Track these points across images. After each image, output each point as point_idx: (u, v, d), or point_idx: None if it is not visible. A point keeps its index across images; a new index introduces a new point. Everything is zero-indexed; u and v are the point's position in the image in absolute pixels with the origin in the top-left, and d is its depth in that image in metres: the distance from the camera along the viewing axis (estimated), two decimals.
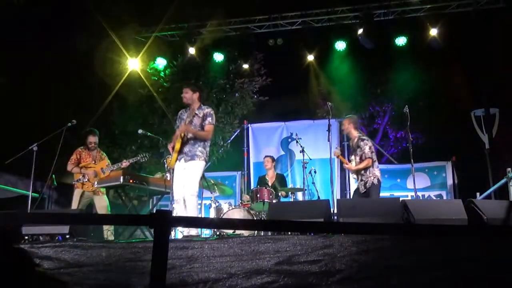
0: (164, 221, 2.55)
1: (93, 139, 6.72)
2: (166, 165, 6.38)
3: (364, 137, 6.49)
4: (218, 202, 7.11)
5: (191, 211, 5.20)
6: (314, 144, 8.49)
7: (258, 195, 6.79)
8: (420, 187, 8.36)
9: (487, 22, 9.10)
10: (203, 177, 6.29)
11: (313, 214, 4.86)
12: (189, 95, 5.54)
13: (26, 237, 4.85)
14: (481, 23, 8.97)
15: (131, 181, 6.18)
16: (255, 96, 11.51)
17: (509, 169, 6.87)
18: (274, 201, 6.80)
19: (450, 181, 8.50)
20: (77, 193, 6.56)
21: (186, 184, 5.26)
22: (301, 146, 7.42)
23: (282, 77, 11.91)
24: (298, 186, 8.68)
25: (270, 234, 4.71)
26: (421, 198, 8.27)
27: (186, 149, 5.37)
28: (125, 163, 6.54)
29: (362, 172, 6.24)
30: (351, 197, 7.67)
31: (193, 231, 5.22)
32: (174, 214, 4.90)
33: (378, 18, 9.27)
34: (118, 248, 3.77)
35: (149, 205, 8.30)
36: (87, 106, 9.72)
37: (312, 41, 9.79)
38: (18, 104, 9.09)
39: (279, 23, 9.77)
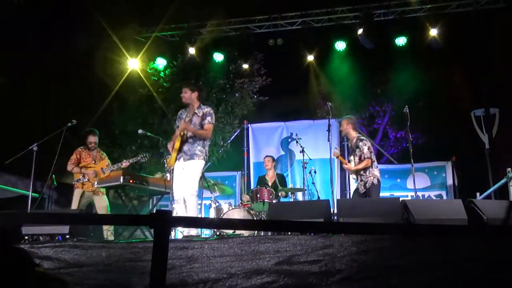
0: (164, 221, 2.55)
1: (93, 139, 6.72)
2: (166, 165, 6.39)
3: (363, 137, 6.49)
4: (218, 202, 7.11)
5: (191, 211, 5.21)
6: (314, 144, 8.48)
7: (258, 195, 6.79)
8: (420, 187, 8.35)
9: (487, 22, 9.10)
10: (203, 177, 6.30)
11: (313, 214, 4.85)
12: (188, 95, 5.56)
13: (26, 237, 4.84)
14: (481, 23, 8.97)
15: (131, 181, 6.18)
16: (255, 96, 11.50)
17: (509, 169, 6.87)
18: (274, 201, 6.79)
19: (450, 181, 8.49)
20: (77, 193, 6.56)
21: (185, 183, 5.26)
22: (301, 146, 7.41)
23: (282, 77, 11.90)
24: (298, 186, 8.67)
25: (270, 234, 4.70)
26: (421, 198, 8.26)
27: (185, 148, 5.38)
28: (125, 163, 6.54)
29: (362, 172, 6.24)
30: (351, 197, 7.66)
31: (193, 231, 5.23)
32: (174, 214, 4.91)
33: (378, 18, 9.27)
34: (118, 248, 3.77)
35: (149, 205, 8.29)
36: (87, 106, 9.72)
37: (312, 41, 9.79)
38: (18, 104, 9.09)
39: (279, 23, 9.77)
